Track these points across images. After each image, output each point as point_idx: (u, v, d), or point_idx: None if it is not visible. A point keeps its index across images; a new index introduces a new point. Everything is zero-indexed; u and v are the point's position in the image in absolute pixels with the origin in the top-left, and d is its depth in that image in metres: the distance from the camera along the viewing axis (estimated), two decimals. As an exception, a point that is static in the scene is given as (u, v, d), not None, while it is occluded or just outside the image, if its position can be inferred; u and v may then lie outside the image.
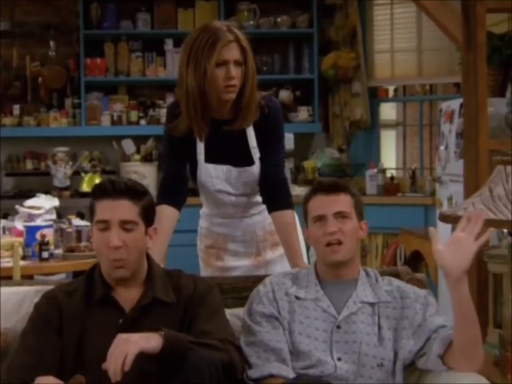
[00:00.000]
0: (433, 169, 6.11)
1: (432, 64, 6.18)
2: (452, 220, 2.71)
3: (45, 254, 3.94)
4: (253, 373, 2.22)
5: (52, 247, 4.02)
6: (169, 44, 6.27)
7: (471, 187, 3.53)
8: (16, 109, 6.21)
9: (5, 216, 4.97)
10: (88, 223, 3.95)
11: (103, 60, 6.24)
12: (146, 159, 6.18)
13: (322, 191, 2.35)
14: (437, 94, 6.60)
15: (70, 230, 4.16)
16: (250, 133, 2.72)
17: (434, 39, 5.97)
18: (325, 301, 2.32)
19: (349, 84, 6.37)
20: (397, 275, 2.54)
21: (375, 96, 6.51)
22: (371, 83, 6.40)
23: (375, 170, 6.16)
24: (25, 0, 6.20)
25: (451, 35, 4.10)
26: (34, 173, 6.27)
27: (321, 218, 2.32)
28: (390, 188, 6.14)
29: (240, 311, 2.42)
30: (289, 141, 5.61)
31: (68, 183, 6.08)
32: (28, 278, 3.76)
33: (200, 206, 2.97)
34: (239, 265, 2.88)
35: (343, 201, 2.34)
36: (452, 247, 2.11)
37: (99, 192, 2.19)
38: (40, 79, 6.22)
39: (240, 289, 2.56)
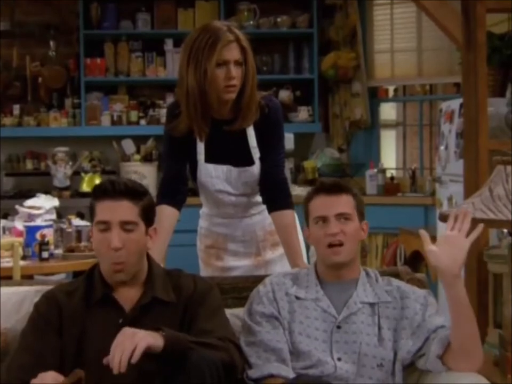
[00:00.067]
0: (433, 169, 6.11)
1: (432, 64, 6.18)
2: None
3: (45, 254, 3.94)
4: (253, 373, 2.22)
5: (52, 247, 4.02)
6: (169, 44, 6.27)
7: (471, 187, 3.53)
8: (16, 109, 6.21)
9: (5, 216, 4.97)
10: (88, 223, 3.95)
11: (103, 59, 6.24)
12: (146, 159, 6.18)
13: (324, 191, 2.35)
14: (437, 94, 6.60)
15: (70, 230, 4.16)
16: (251, 133, 2.72)
17: (434, 39, 5.97)
18: (325, 301, 2.32)
19: (349, 84, 6.37)
20: (397, 275, 2.54)
21: (375, 96, 6.51)
22: (371, 83, 6.40)
23: (375, 170, 6.16)
24: (25, 0, 6.20)
25: (451, 35, 4.10)
26: (34, 173, 6.27)
27: (323, 219, 2.32)
28: (390, 187, 6.14)
29: (240, 311, 2.42)
30: (289, 141, 5.61)
31: (68, 183, 6.08)
32: (28, 278, 3.76)
33: (200, 206, 2.97)
34: (239, 265, 2.88)
35: (345, 202, 2.34)
36: (444, 246, 2.11)
37: (99, 193, 2.19)
38: (40, 79, 6.22)
39: (240, 289, 2.56)
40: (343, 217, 2.31)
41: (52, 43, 6.22)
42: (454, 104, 4.68)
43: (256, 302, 2.34)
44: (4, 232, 4.21)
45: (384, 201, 5.84)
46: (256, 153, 2.73)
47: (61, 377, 1.96)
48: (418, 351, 2.24)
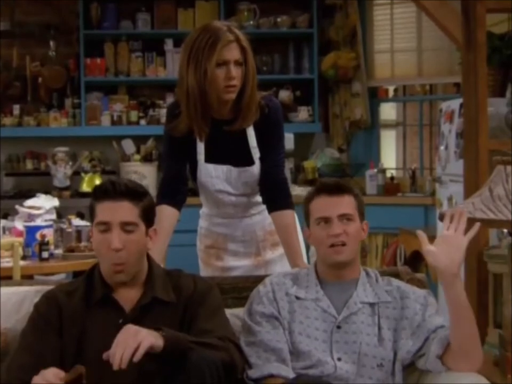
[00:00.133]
0: (433, 169, 6.11)
1: (432, 64, 6.18)
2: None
3: (45, 254, 3.94)
4: (253, 373, 2.22)
5: (52, 247, 4.02)
6: (169, 44, 6.27)
7: (471, 187, 3.53)
8: (16, 109, 6.21)
9: (5, 216, 4.97)
10: (88, 223, 3.95)
11: (103, 59, 6.24)
12: (146, 159, 6.18)
13: (326, 192, 2.34)
14: (437, 94, 6.60)
15: (70, 230, 4.16)
16: (251, 133, 2.72)
17: (434, 39, 5.97)
18: (325, 301, 2.32)
19: (349, 84, 6.37)
20: (397, 275, 2.54)
21: (375, 96, 6.51)
22: (371, 83, 6.40)
23: (375, 170, 6.16)
24: (25, 0, 6.20)
25: (451, 35, 4.10)
26: (34, 173, 6.27)
27: (325, 220, 2.31)
28: (390, 187, 6.15)
29: (240, 311, 2.42)
30: (289, 141, 5.61)
31: (68, 183, 6.08)
32: (28, 278, 3.76)
33: (200, 206, 2.97)
34: (239, 265, 2.88)
35: (347, 203, 2.33)
36: (442, 246, 2.12)
37: (99, 194, 2.19)
38: (40, 79, 6.22)
39: (240, 289, 2.56)
40: (345, 218, 2.31)
41: (51, 43, 6.22)
42: (454, 104, 4.68)
43: (256, 302, 2.34)
44: (4, 232, 4.21)
45: (384, 201, 5.84)
46: (256, 153, 2.73)
47: (62, 373, 1.96)
48: (418, 351, 2.24)
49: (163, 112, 5.95)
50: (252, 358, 2.25)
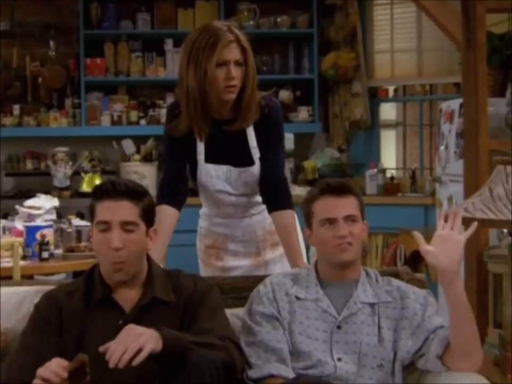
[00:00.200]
0: (433, 169, 6.11)
1: (432, 64, 6.18)
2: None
3: (45, 254, 3.94)
4: (253, 373, 2.22)
5: (52, 247, 4.02)
6: (169, 44, 6.27)
7: (471, 187, 3.53)
8: (16, 109, 6.21)
9: (5, 216, 4.97)
10: (88, 223, 3.95)
11: (103, 59, 6.24)
12: (146, 159, 6.18)
13: (330, 192, 2.33)
14: (437, 94, 6.60)
15: (70, 230, 4.17)
16: (251, 133, 2.71)
17: (434, 39, 5.97)
18: (325, 301, 2.32)
19: (349, 84, 6.37)
20: (397, 275, 2.54)
21: (375, 96, 6.51)
22: (371, 83, 6.40)
23: (375, 170, 6.16)
24: (25, 0, 6.20)
25: (451, 35, 4.10)
26: (34, 173, 6.27)
27: (330, 221, 2.30)
28: (390, 187, 6.15)
29: (240, 311, 2.42)
30: (289, 141, 5.61)
31: (68, 183, 6.08)
32: (28, 278, 3.76)
33: (200, 206, 2.97)
34: (239, 265, 2.88)
35: (351, 204, 2.33)
36: (441, 245, 2.12)
37: (99, 193, 2.19)
38: (40, 79, 6.23)
39: (240, 289, 2.56)
40: (350, 219, 2.31)
41: (51, 43, 6.22)
42: (454, 104, 4.69)
43: (256, 302, 2.34)
44: (4, 232, 4.21)
45: (384, 201, 5.84)
46: (256, 153, 2.73)
47: (65, 363, 1.96)
48: (418, 351, 2.24)
49: (163, 112, 5.95)
50: (252, 358, 2.25)
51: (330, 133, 6.51)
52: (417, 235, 2.15)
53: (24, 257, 3.94)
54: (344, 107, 6.40)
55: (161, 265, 2.42)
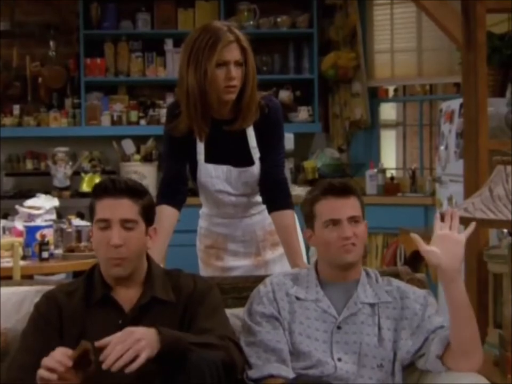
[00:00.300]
0: (433, 169, 6.11)
1: (432, 64, 6.18)
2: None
3: (45, 254, 3.94)
4: (253, 373, 2.22)
5: (52, 247, 4.02)
6: (169, 44, 6.27)
7: (471, 187, 3.53)
8: (16, 109, 6.22)
9: (5, 216, 4.97)
10: (88, 223, 3.95)
11: (103, 59, 6.24)
12: (146, 159, 6.18)
13: (333, 193, 2.32)
14: (437, 94, 6.60)
15: (70, 230, 4.16)
16: (250, 133, 2.71)
17: (434, 39, 5.97)
18: (325, 302, 2.32)
19: (349, 84, 6.37)
20: (397, 275, 2.54)
21: (375, 96, 6.51)
22: (371, 83, 6.40)
23: (375, 170, 6.16)
24: (25, 0, 6.20)
25: (451, 35, 4.10)
26: (34, 173, 6.27)
27: (334, 222, 2.29)
28: (390, 187, 6.15)
29: (240, 311, 2.42)
30: (289, 141, 5.61)
31: (68, 183, 6.08)
32: (28, 278, 3.76)
33: (200, 206, 2.97)
34: (239, 265, 2.87)
35: (354, 205, 2.32)
36: (441, 245, 2.12)
37: (99, 191, 2.19)
38: (40, 79, 6.23)
39: (240, 289, 2.56)
40: (353, 220, 2.30)
41: (51, 43, 6.22)
42: (454, 104, 4.69)
43: (257, 302, 2.34)
44: (4, 232, 4.21)
45: (384, 201, 5.84)
46: (256, 153, 2.73)
47: (69, 351, 1.96)
48: (418, 351, 2.24)
49: (163, 112, 5.95)
50: (252, 358, 2.25)
51: (330, 133, 6.51)
52: (415, 237, 2.15)
53: (24, 257, 3.94)
54: (344, 107, 6.40)
55: (161, 265, 2.42)
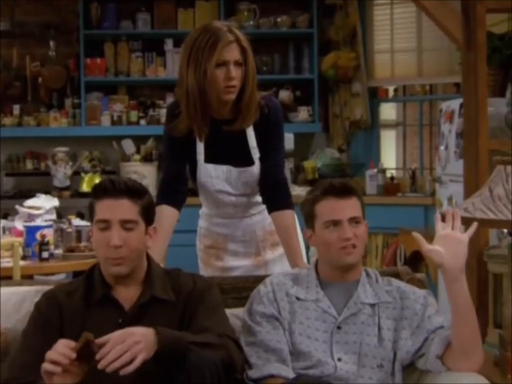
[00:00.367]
0: (433, 169, 6.11)
1: (432, 64, 6.18)
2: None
3: (45, 254, 3.94)
4: (253, 373, 2.22)
5: (52, 247, 4.02)
6: (169, 44, 6.27)
7: (471, 187, 3.53)
8: (16, 109, 6.22)
9: (5, 216, 4.97)
10: (88, 223, 3.95)
11: (103, 59, 6.24)
12: (146, 159, 6.19)
13: (333, 194, 2.31)
14: (437, 94, 6.60)
15: (70, 230, 4.17)
16: (250, 133, 2.71)
17: (434, 39, 5.97)
18: (325, 302, 2.32)
19: (349, 84, 6.37)
20: (397, 275, 2.54)
21: (375, 96, 6.51)
22: (371, 83, 6.40)
23: (375, 170, 6.16)
24: (25, 0, 6.20)
25: (451, 35, 4.10)
26: (34, 173, 6.27)
27: (335, 223, 2.29)
28: (390, 187, 6.15)
29: (240, 311, 2.42)
30: (289, 141, 5.61)
31: (68, 183, 6.08)
32: (28, 278, 3.76)
33: (200, 206, 2.97)
34: (239, 265, 2.87)
35: (355, 206, 2.32)
36: (444, 244, 2.12)
37: (99, 192, 2.19)
38: (40, 79, 6.23)
39: (240, 289, 2.56)
40: (354, 221, 2.30)
41: (51, 43, 6.22)
42: (454, 104, 4.69)
43: (257, 302, 2.34)
44: (4, 232, 4.21)
45: (384, 201, 5.84)
46: (256, 153, 2.73)
47: (72, 343, 1.96)
48: (418, 351, 2.24)
49: (163, 112, 5.95)
50: (252, 358, 2.25)
51: (330, 133, 6.51)
52: (418, 236, 2.15)
53: (24, 257, 3.94)
54: (344, 107, 6.40)
55: (161, 265, 2.42)
